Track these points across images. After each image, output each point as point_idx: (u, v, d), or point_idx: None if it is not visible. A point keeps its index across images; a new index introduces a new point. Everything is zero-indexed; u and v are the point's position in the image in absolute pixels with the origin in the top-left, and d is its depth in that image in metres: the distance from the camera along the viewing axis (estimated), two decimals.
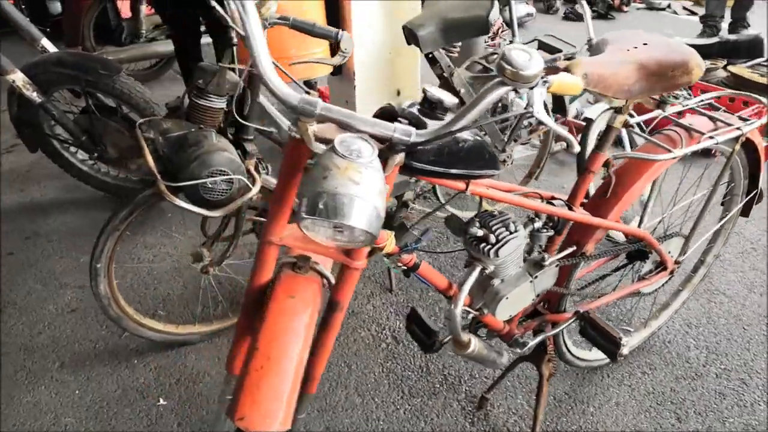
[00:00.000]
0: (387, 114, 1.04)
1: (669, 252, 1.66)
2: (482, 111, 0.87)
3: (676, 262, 1.70)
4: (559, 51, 2.16)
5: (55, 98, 2.47)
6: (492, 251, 1.25)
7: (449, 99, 1.01)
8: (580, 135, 2.45)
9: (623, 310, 2.15)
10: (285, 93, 0.85)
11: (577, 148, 1.01)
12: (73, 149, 2.75)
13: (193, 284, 2.29)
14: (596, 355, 1.83)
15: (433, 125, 0.97)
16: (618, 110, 1.31)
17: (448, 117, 1.00)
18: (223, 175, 1.62)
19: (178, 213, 2.63)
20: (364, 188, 0.79)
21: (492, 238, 1.26)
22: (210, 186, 1.62)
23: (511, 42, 2.55)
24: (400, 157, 0.92)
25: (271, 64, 0.85)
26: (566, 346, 1.73)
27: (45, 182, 3.09)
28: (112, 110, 2.54)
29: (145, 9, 4.21)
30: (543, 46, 2.23)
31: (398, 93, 2.70)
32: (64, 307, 2.22)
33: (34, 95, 2.35)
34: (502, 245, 1.25)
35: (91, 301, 2.23)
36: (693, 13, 6.53)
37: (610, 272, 1.74)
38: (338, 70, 2.57)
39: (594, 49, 1.31)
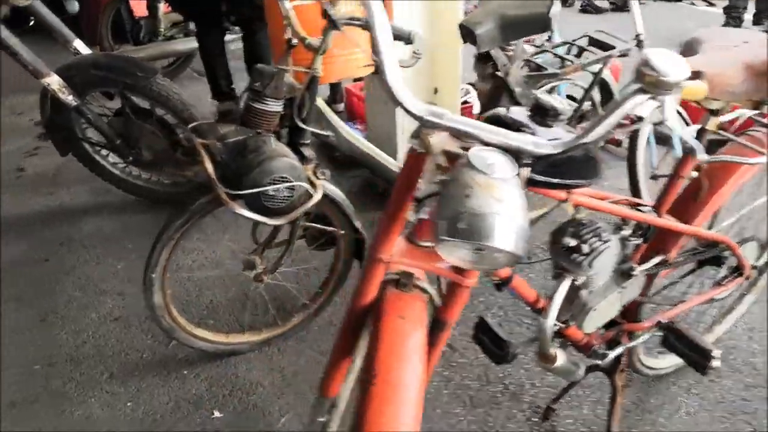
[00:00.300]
0: (494, 121, 0.98)
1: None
2: (617, 121, 0.81)
3: (753, 267, 1.64)
4: (612, 47, 2.10)
5: (88, 101, 2.41)
6: (586, 262, 1.20)
7: (562, 106, 0.95)
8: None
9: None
10: (411, 103, 0.80)
11: (703, 156, 0.95)
12: (104, 152, 2.69)
13: (241, 292, 2.23)
14: (665, 363, 1.78)
15: (545, 133, 0.92)
16: (714, 112, 1.25)
17: (558, 125, 0.95)
18: (286, 182, 1.56)
19: (225, 219, 2.57)
20: (507, 206, 0.74)
21: (585, 248, 1.20)
22: (272, 193, 1.56)
23: (549, 39, 2.48)
24: (528, 170, 0.86)
25: (398, 73, 0.79)
26: (637, 354, 1.68)
27: (73, 186, 3.03)
28: (147, 113, 2.48)
29: (163, 7, 4.14)
30: (594, 43, 2.17)
31: (435, 91, 2.65)
32: (107, 316, 2.16)
33: (70, 98, 2.29)
34: (597, 256, 1.20)
35: (133, 309, 2.18)
36: (711, 4, 6.44)
37: (678, 279, 1.68)
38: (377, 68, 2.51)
39: (687, 48, 1.25)
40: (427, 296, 1.03)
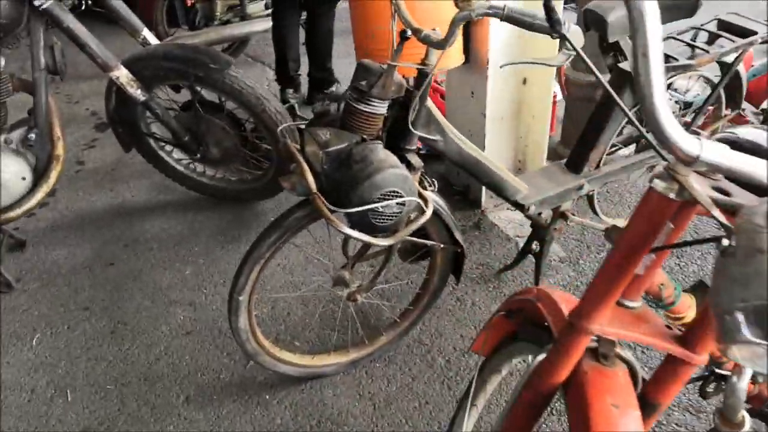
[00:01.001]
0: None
1: None
2: None
3: None
4: (750, 32, 1.82)
5: (155, 94, 2.24)
6: None
7: None
8: None
9: None
10: (682, 138, 0.57)
11: None
12: (168, 148, 2.53)
13: (329, 310, 2.05)
14: None
15: None
16: None
17: None
18: (397, 196, 1.35)
19: (312, 230, 2.39)
20: None
21: None
22: (380, 210, 1.36)
23: None
24: None
25: (665, 92, 0.57)
26: None
27: (133, 181, 2.89)
28: (217, 107, 2.30)
29: None
30: (724, 27, 1.89)
31: (524, 82, 2.40)
32: (178, 329, 2.01)
33: (138, 92, 2.13)
34: None
35: (205, 322, 2.02)
36: None
37: None
38: (467, 58, 2.28)
39: None
40: (629, 369, 0.81)
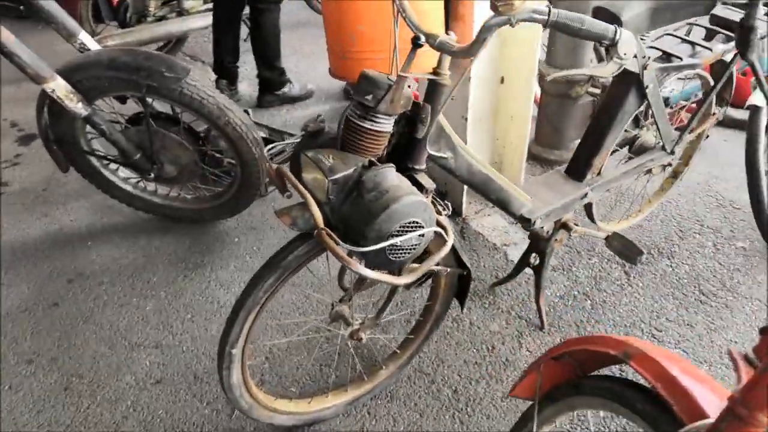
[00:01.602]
0: None
1: None
2: None
3: None
4: None
5: (98, 107, 1.95)
6: None
7: None
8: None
9: None
10: None
11: None
12: (113, 166, 2.25)
13: (324, 349, 1.84)
14: None
15: None
16: None
17: None
18: (417, 228, 1.18)
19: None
20: None
21: None
22: (399, 244, 1.18)
23: None
24: None
25: None
26: None
27: (70, 203, 2.57)
28: (172, 119, 2.04)
29: None
30: (718, 22, 1.82)
31: (502, 81, 2.27)
32: (146, 378, 1.76)
33: (79, 106, 1.85)
34: None
35: (176, 367, 1.79)
36: None
37: None
38: None
39: None
40: None
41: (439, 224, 1.25)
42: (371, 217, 1.14)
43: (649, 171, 1.89)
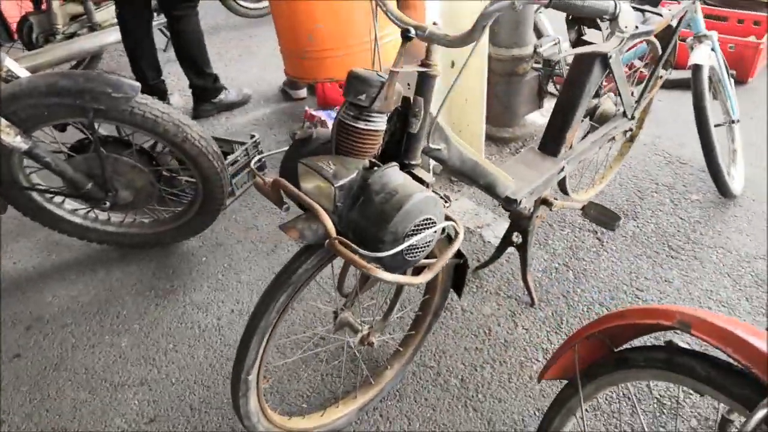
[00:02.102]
0: None
1: None
2: None
3: None
4: None
5: (36, 139, 1.79)
6: None
7: None
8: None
9: None
10: None
11: None
12: (58, 199, 2.08)
13: (331, 359, 1.78)
14: None
15: None
16: None
17: None
18: (432, 225, 1.16)
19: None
20: None
21: None
22: (415, 243, 1.15)
23: None
24: None
25: None
26: None
27: (10, 244, 2.36)
28: (123, 143, 1.91)
29: None
30: None
31: (452, 65, 2.27)
32: (138, 418, 1.65)
33: (18, 140, 1.70)
34: None
35: (169, 402, 1.69)
36: None
37: None
38: None
39: None
40: None
41: (447, 217, 1.23)
42: (385, 219, 1.11)
43: (612, 138, 1.95)
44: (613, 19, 1.03)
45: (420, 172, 1.30)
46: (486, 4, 1.05)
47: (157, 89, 3.15)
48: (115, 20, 3.50)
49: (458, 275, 1.60)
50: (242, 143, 2.51)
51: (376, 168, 1.16)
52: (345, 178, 1.13)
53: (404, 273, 1.24)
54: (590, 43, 1.66)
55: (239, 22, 4.44)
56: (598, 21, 1.58)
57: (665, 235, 2.14)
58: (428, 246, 1.19)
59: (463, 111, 2.39)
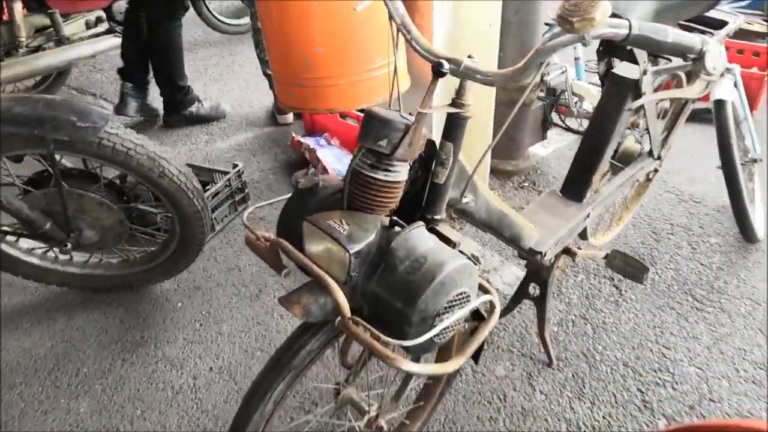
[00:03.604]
0: None
1: None
2: None
3: None
4: (723, 23, 1.68)
5: None
6: None
7: None
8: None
9: None
10: None
11: None
12: (11, 238, 1.83)
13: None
14: None
15: None
16: None
17: None
18: (465, 300, 0.96)
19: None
20: None
21: None
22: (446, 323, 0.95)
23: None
24: None
25: None
26: None
27: None
28: (89, 176, 1.68)
29: (20, 8, 3.09)
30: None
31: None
32: None
33: None
34: None
35: None
36: None
37: None
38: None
39: None
40: None
41: (482, 287, 1.03)
42: (413, 295, 0.90)
43: (636, 180, 1.78)
44: (699, 58, 0.85)
45: (445, 230, 1.09)
46: (543, 38, 0.87)
47: (189, 101, 2.97)
48: (85, 33, 3.27)
49: (474, 336, 1.40)
50: (224, 172, 2.29)
51: (398, 228, 0.96)
52: (362, 241, 0.93)
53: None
54: (621, 77, 1.49)
55: (219, 38, 4.22)
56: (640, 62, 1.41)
57: (687, 284, 1.97)
58: (459, 324, 0.99)
59: (467, 143, 2.20)
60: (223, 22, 4.04)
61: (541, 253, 1.44)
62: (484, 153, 1.07)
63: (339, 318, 0.91)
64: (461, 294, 0.94)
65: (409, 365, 0.88)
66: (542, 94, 2.54)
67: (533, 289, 1.70)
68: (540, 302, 1.69)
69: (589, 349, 1.75)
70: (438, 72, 0.94)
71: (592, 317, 1.86)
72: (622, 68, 1.50)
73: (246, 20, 4.16)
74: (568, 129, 2.66)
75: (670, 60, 1.56)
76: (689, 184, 2.48)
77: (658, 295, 1.93)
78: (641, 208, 2.34)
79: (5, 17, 3.09)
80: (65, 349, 1.81)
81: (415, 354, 0.96)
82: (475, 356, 1.42)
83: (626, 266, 1.67)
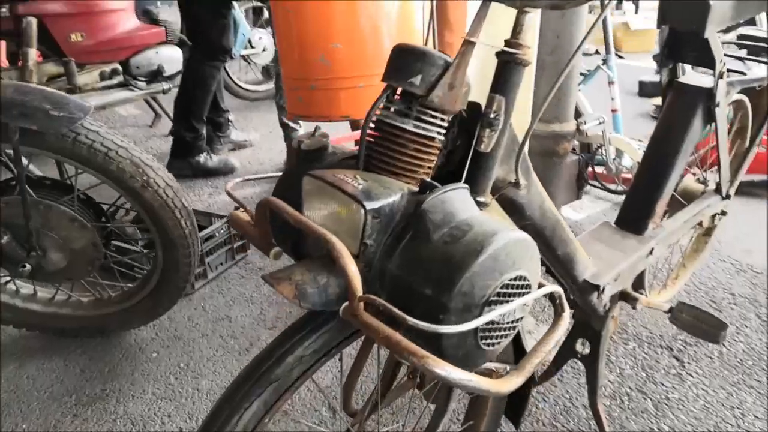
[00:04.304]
0: None
1: None
2: None
3: None
4: None
5: None
6: None
7: None
8: None
9: None
10: None
11: None
12: None
13: None
14: None
15: None
16: None
17: None
18: (525, 290, 0.67)
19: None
20: None
21: None
22: (498, 319, 0.66)
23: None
24: None
25: None
26: None
27: None
28: (61, 186, 1.45)
29: (35, 54, 3.02)
30: (747, 40, 1.55)
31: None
32: None
33: None
34: None
35: None
36: None
37: None
38: None
39: None
40: None
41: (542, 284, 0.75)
42: (453, 271, 0.63)
43: (700, 224, 1.51)
44: None
45: (493, 215, 0.83)
46: None
47: (198, 148, 2.86)
48: (99, 84, 3.19)
49: (516, 399, 1.09)
50: (220, 216, 2.06)
51: (433, 189, 0.69)
52: (383, 199, 0.66)
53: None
54: (690, 86, 1.28)
55: (238, 104, 4.16)
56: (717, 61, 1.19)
57: (762, 359, 1.64)
58: (514, 326, 0.70)
59: None
60: (243, 89, 4.01)
61: (598, 288, 1.16)
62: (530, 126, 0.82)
63: (345, 304, 0.64)
64: (520, 278, 0.66)
65: (446, 368, 0.58)
66: (576, 143, 2.34)
67: (582, 346, 1.38)
68: (591, 362, 1.36)
69: (652, 428, 1.40)
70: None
71: (651, 391, 1.52)
72: (691, 77, 1.30)
73: (266, 87, 4.13)
74: (606, 189, 2.43)
75: (743, 73, 1.36)
76: (745, 255, 2.19)
77: (729, 370, 1.60)
78: (694, 276, 2.04)
79: (20, 63, 3.03)
80: (7, 399, 1.49)
81: (454, 359, 0.67)
82: (516, 416, 1.11)
83: (697, 322, 1.37)
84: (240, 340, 1.72)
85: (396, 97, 0.77)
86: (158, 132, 3.60)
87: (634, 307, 1.33)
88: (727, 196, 1.50)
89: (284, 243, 0.79)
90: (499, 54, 0.78)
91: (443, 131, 0.78)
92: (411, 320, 0.58)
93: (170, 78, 3.30)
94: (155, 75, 3.23)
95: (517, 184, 0.88)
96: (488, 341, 0.67)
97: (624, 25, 5.78)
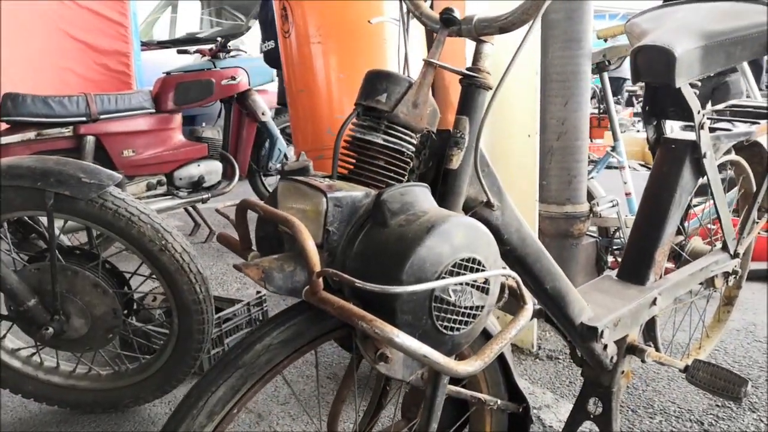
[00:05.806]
0: None
1: None
2: None
3: None
4: None
5: None
6: None
7: None
8: None
9: None
10: None
11: None
12: None
13: None
14: None
15: None
16: None
17: None
18: (480, 269, 0.70)
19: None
20: None
21: None
22: (451, 298, 0.69)
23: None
24: None
25: None
26: None
27: None
28: (86, 255, 1.55)
29: None
30: (737, 111, 1.61)
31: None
32: None
33: None
34: None
35: None
36: None
37: None
38: None
39: None
40: None
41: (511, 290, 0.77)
42: (407, 246, 0.67)
43: (712, 282, 1.49)
44: None
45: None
46: None
47: None
48: (144, 194, 3.44)
49: (514, 420, 1.05)
50: (238, 300, 2.11)
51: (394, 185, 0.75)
52: (345, 192, 0.73)
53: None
54: (674, 139, 1.33)
55: None
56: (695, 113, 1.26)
57: None
58: (474, 314, 0.72)
59: None
60: None
61: (596, 330, 1.14)
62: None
63: (307, 288, 0.68)
64: (473, 261, 0.70)
65: (403, 338, 0.61)
66: (593, 233, 2.35)
67: (594, 406, 1.33)
68: (604, 422, 1.30)
69: None
70: (446, 19, 0.83)
71: None
72: (676, 133, 1.36)
73: None
74: None
75: (728, 130, 1.41)
76: None
77: None
78: (725, 353, 1.95)
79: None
80: None
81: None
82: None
83: (715, 379, 1.31)
84: (251, 415, 1.70)
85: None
86: (196, 240, 3.78)
87: (643, 361, 1.29)
88: (736, 255, 1.48)
89: (267, 253, 0.85)
90: (461, 80, 0.87)
91: (412, 147, 0.85)
92: (359, 282, 0.62)
93: (210, 188, 3.57)
94: (196, 186, 3.50)
95: (489, 204, 0.92)
96: (444, 323, 0.69)
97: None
